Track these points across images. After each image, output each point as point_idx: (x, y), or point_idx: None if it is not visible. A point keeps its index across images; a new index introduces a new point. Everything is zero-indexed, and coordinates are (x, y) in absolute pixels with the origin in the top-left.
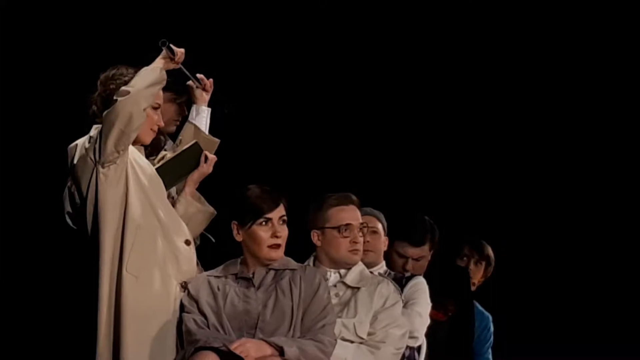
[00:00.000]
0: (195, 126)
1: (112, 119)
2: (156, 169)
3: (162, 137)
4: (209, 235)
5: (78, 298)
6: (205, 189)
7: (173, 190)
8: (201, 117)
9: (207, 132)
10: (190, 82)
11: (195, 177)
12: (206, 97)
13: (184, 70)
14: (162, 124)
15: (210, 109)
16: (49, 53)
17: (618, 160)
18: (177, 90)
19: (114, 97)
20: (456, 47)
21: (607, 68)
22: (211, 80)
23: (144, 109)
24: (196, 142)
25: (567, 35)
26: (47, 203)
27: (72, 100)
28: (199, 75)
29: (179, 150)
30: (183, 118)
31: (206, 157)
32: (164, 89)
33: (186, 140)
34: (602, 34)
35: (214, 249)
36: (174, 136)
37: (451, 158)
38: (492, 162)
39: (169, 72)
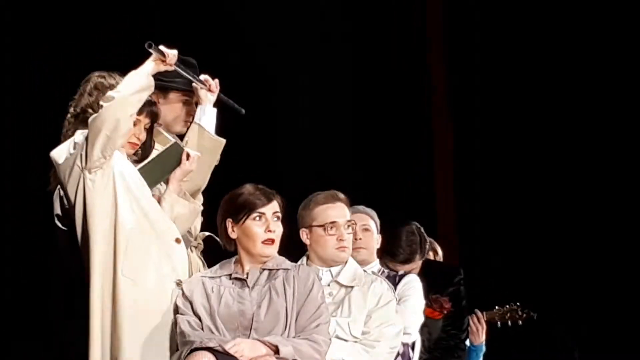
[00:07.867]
0: (200, 126)
1: (98, 125)
2: (138, 170)
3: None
4: (217, 238)
5: (69, 303)
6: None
7: (157, 190)
8: (207, 117)
9: (213, 133)
10: (194, 84)
11: (177, 174)
12: (212, 98)
13: (180, 71)
14: (142, 137)
15: (216, 110)
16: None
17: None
18: (187, 91)
19: (100, 103)
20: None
21: (600, 71)
22: (217, 80)
23: (131, 115)
24: (175, 142)
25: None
26: (33, 206)
27: (56, 103)
28: (203, 77)
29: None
30: None
31: (188, 155)
32: (174, 90)
33: (192, 141)
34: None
35: (221, 252)
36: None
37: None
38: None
39: (178, 74)
